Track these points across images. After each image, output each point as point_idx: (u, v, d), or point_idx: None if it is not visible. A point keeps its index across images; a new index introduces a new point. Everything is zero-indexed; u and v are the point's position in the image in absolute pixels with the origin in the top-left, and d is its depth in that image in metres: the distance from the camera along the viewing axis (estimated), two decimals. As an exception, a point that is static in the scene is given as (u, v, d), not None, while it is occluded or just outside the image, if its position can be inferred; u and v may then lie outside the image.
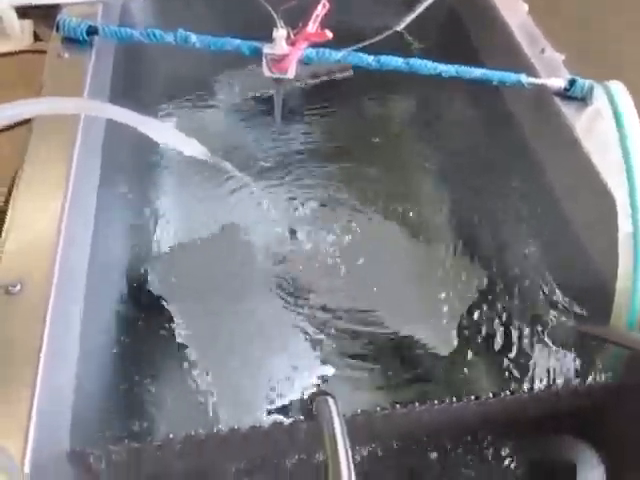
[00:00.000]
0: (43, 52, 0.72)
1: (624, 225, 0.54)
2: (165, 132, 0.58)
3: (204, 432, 0.47)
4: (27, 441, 0.40)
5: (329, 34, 0.61)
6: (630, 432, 0.54)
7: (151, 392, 0.60)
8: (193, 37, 0.65)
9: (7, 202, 0.54)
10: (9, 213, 0.52)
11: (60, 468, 0.44)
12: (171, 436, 0.47)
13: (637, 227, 0.53)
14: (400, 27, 0.84)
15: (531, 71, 0.71)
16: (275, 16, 0.62)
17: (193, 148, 0.60)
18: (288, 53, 0.62)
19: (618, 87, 0.61)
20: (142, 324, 0.64)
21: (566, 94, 0.67)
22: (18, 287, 0.47)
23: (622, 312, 0.54)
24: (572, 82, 0.67)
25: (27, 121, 0.57)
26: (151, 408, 0.59)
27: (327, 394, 0.46)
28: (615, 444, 0.54)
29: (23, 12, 0.92)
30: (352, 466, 0.40)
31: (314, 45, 0.65)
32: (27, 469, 0.39)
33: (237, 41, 0.65)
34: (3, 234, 0.51)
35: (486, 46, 0.84)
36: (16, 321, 0.46)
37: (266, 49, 0.63)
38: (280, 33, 0.62)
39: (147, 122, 0.56)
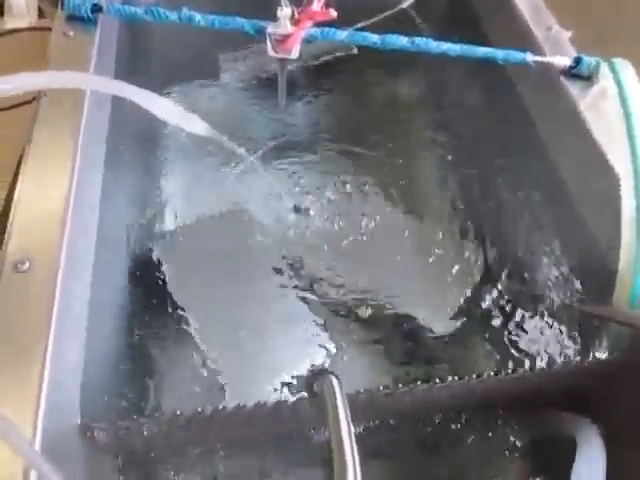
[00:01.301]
0: (48, 29, 0.71)
1: (627, 204, 0.54)
2: (166, 107, 0.57)
3: (210, 408, 0.48)
4: (38, 415, 0.41)
5: (334, 13, 0.60)
6: (630, 409, 0.55)
7: (158, 369, 0.61)
8: (197, 16, 0.64)
9: (8, 197, 0.54)
10: (16, 191, 0.53)
11: (70, 441, 0.45)
12: (178, 412, 0.48)
13: (640, 207, 0.53)
14: (406, 4, 0.84)
15: (537, 49, 0.70)
16: (280, -6, 0.61)
17: (194, 124, 0.60)
18: (292, 33, 0.62)
19: (623, 64, 0.60)
20: (149, 301, 0.65)
21: (572, 72, 0.67)
22: (27, 265, 0.48)
23: (624, 291, 0.54)
24: (578, 60, 0.66)
25: (27, 102, 0.57)
26: (158, 384, 0.60)
27: (331, 373, 0.47)
28: (615, 420, 0.55)
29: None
30: (355, 444, 0.41)
31: (318, 24, 0.64)
32: (38, 442, 0.40)
33: (241, 20, 0.64)
34: (11, 213, 0.51)
35: (493, 23, 0.83)
36: (26, 298, 0.46)
37: (270, 28, 0.62)
38: (284, 12, 0.61)
39: (148, 97, 0.56)
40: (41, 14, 0.97)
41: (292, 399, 0.50)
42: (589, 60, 0.66)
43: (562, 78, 0.67)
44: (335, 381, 0.46)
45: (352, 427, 0.42)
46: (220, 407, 0.49)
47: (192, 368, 0.61)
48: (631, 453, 0.54)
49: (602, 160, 0.60)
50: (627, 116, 0.56)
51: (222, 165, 0.80)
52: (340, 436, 0.41)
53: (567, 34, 0.72)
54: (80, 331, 0.51)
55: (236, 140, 0.70)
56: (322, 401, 0.45)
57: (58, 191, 0.53)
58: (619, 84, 0.58)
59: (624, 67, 0.60)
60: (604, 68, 0.63)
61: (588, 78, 0.67)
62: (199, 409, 0.48)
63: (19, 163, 0.56)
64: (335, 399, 0.44)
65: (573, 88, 0.67)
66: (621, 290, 0.54)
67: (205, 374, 0.61)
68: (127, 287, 0.65)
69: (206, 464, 0.53)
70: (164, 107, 0.57)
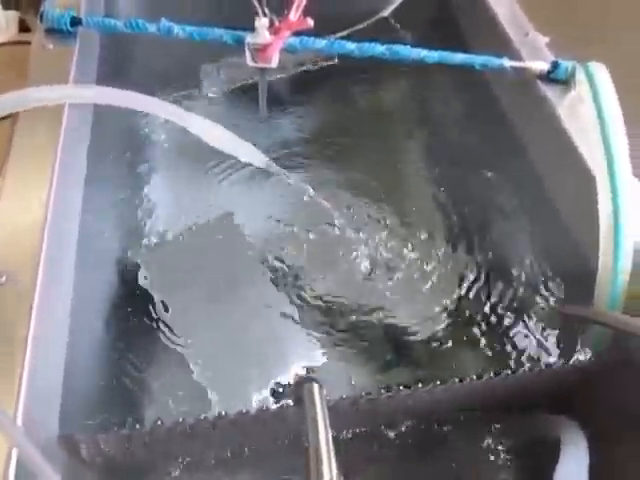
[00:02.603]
0: (28, 43, 0.72)
1: (604, 207, 0.54)
2: (222, 137, 0.55)
3: (192, 418, 0.48)
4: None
5: (310, 22, 0.60)
6: (612, 409, 0.55)
7: (141, 379, 0.60)
8: (176, 27, 0.65)
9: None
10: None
11: (49, 454, 0.45)
12: (159, 422, 0.48)
13: (617, 209, 0.53)
14: (386, 13, 0.84)
15: (515, 55, 0.71)
16: (257, 5, 0.62)
17: (250, 154, 0.58)
18: (271, 42, 0.62)
19: (598, 68, 0.61)
20: (132, 313, 0.65)
21: (550, 77, 0.68)
22: (4, 278, 0.48)
23: (604, 293, 0.54)
24: (555, 65, 0.67)
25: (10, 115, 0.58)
26: (140, 395, 0.59)
27: (313, 380, 0.47)
28: (599, 420, 0.55)
29: (11, 2, 0.91)
30: (332, 452, 0.41)
31: (298, 33, 0.65)
32: (16, 454, 0.40)
33: (220, 31, 0.65)
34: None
35: (472, 30, 0.84)
36: (3, 312, 0.46)
37: (249, 38, 0.63)
38: (262, 22, 0.62)
39: (205, 125, 0.53)
40: (24, 28, 0.97)
41: (275, 407, 0.50)
42: (566, 64, 0.67)
43: (540, 83, 0.68)
44: (316, 388, 0.46)
45: (330, 434, 0.42)
46: (202, 416, 0.49)
47: (175, 378, 0.61)
48: (615, 453, 0.55)
49: (581, 164, 0.60)
50: (601, 120, 0.56)
51: (211, 173, 0.80)
52: (318, 444, 0.41)
53: (544, 39, 0.73)
54: (60, 344, 0.51)
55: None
56: (303, 409, 0.45)
57: (37, 203, 0.53)
58: (593, 88, 0.59)
59: (599, 70, 0.61)
60: (580, 72, 0.64)
61: (566, 82, 0.68)
62: (180, 419, 0.48)
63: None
64: (315, 407, 0.44)
65: (551, 92, 0.67)
66: (601, 292, 0.55)
67: (189, 384, 0.60)
68: (110, 298, 0.65)
69: (189, 474, 0.53)
70: (220, 136, 0.55)
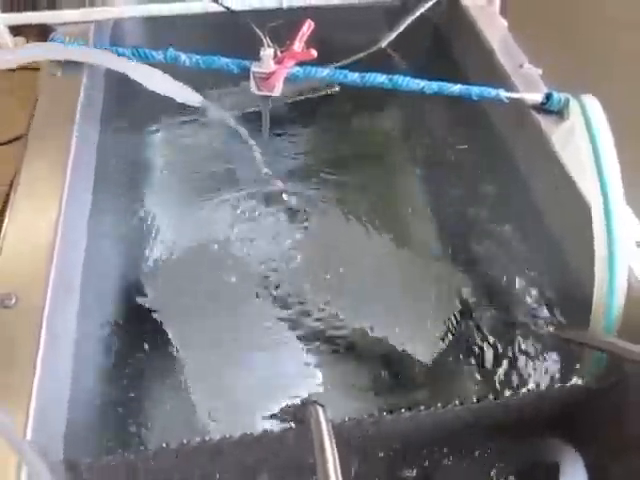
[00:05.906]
0: (36, 69, 0.73)
1: (599, 234, 0.55)
2: (157, 79, 0.57)
3: (196, 440, 0.48)
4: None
5: (314, 53, 0.62)
6: (610, 432, 0.56)
7: (145, 402, 0.61)
8: (183, 56, 0.67)
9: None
10: (4, 226, 0.53)
11: (54, 478, 0.45)
12: (164, 445, 0.48)
13: (611, 235, 0.55)
14: (384, 44, 0.87)
15: (510, 85, 0.73)
16: (262, 35, 0.64)
17: (186, 95, 0.60)
18: (275, 71, 0.64)
19: (591, 101, 0.63)
20: (136, 335, 0.65)
21: (543, 108, 0.70)
22: (13, 300, 0.48)
23: (600, 317, 0.55)
24: (548, 96, 0.69)
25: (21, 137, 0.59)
26: (145, 418, 0.59)
27: (316, 402, 0.48)
28: (595, 444, 0.56)
29: (17, 30, 0.93)
30: (340, 473, 0.41)
31: (300, 63, 0.67)
32: (23, 476, 0.40)
33: (226, 60, 0.67)
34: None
35: (468, 62, 0.86)
36: (11, 334, 0.47)
37: (254, 67, 0.65)
38: (267, 52, 0.64)
39: (138, 68, 0.55)
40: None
41: (278, 429, 0.50)
42: (559, 96, 0.69)
43: (534, 113, 0.70)
44: (320, 410, 0.47)
45: (337, 456, 0.42)
46: (207, 439, 0.49)
47: (179, 401, 0.61)
48: (613, 477, 0.55)
49: (576, 193, 0.62)
50: (595, 152, 0.58)
51: (212, 197, 0.81)
52: (326, 465, 0.41)
53: (538, 71, 0.75)
54: (66, 366, 0.51)
55: (220, 175, 0.71)
56: (308, 430, 0.45)
57: (45, 225, 0.54)
58: (586, 119, 0.61)
59: (591, 103, 0.63)
60: (574, 104, 0.66)
61: (559, 113, 0.70)
62: (185, 441, 0.48)
63: (7, 197, 0.57)
64: (320, 428, 0.45)
65: (546, 123, 0.69)
66: (597, 316, 0.56)
67: (193, 407, 0.60)
68: (115, 321, 0.65)
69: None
70: (153, 78, 0.57)
